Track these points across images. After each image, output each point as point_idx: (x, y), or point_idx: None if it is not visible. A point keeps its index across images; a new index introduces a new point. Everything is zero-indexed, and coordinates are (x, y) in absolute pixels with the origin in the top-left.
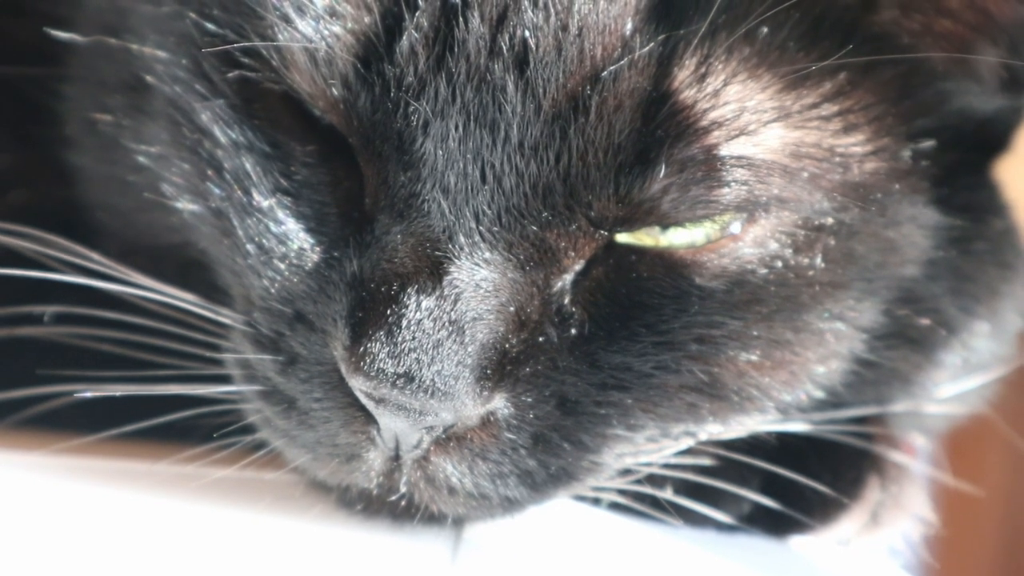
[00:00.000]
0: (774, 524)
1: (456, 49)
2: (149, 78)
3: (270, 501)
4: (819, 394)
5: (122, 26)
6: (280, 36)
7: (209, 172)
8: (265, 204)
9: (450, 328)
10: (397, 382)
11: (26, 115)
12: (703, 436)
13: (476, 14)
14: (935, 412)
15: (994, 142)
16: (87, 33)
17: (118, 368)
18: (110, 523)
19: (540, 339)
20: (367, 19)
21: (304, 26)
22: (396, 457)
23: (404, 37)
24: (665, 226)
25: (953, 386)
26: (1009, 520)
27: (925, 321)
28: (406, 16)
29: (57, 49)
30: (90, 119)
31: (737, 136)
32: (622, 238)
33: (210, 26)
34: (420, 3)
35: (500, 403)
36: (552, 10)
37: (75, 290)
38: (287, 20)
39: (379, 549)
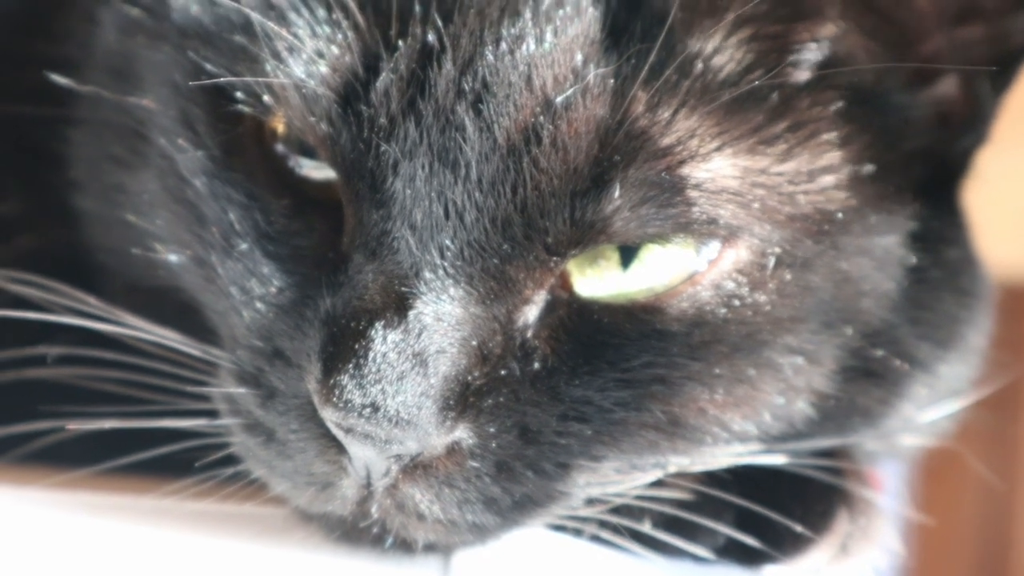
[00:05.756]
0: (748, 555)
1: (427, 92)
2: (142, 128)
3: (258, 530)
4: (780, 426)
5: (129, 70)
6: (274, 74)
7: (193, 220)
8: (245, 248)
9: (414, 361)
10: (363, 412)
11: (34, 160)
12: (672, 468)
13: (449, 57)
14: (906, 443)
15: (953, 165)
16: (97, 76)
17: (113, 405)
18: (105, 556)
19: (502, 372)
20: (347, 59)
21: (295, 65)
22: (368, 485)
23: (380, 79)
24: (617, 245)
25: (923, 414)
26: (982, 547)
27: (881, 352)
28: (384, 57)
29: (63, 93)
30: (94, 163)
31: (689, 159)
32: (584, 290)
33: (208, 66)
34: (400, 46)
35: (464, 433)
36: (506, 46)
37: (75, 332)
38: (280, 59)
39: None
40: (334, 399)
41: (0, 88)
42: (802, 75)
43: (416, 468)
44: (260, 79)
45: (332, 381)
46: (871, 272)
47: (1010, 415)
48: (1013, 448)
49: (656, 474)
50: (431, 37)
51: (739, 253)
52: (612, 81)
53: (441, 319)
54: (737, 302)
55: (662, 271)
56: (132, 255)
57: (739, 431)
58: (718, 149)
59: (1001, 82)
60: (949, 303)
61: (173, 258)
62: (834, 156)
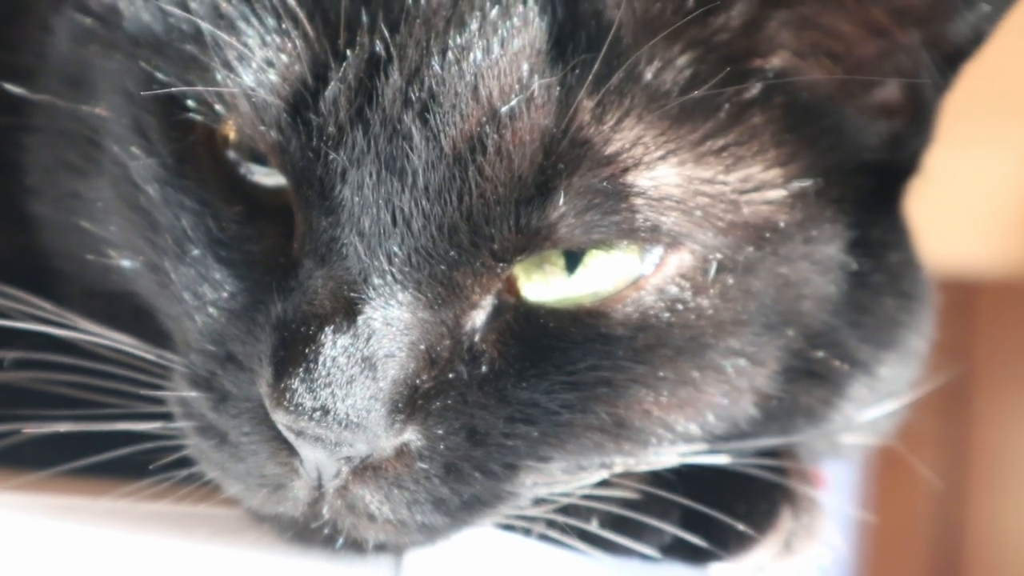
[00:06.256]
0: (693, 553)
1: (375, 101)
2: (96, 136)
3: (212, 531)
4: (723, 426)
5: (82, 79)
6: (224, 83)
7: (146, 227)
8: (198, 254)
9: (363, 365)
10: (314, 415)
11: None
12: (618, 468)
13: (396, 67)
14: (848, 442)
15: (901, 168)
16: (51, 84)
17: (69, 408)
18: (61, 558)
19: (450, 376)
20: (297, 68)
21: (245, 74)
22: (319, 487)
23: (329, 88)
24: (563, 250)
25: (864, 414)
26: (935, 546)
27: (822, 353)
28: (332, 66)
29: (19, 100)
30: (49, 170)
31: (633, 167)
32: (531, 294)
33: (160, 75)
34: (348, 55)
35: (412, 435)
36: (452, 56)
37: (31, 336)
38: (230, 68)
39: None
40: (285, 402)
41: None
42: (753, 89)
43: (366, 470)
44: (211, 88)
45: (283, 385)
46: (812, 276)
47: (962, 415)
48: (964, 448)
49: (602, 474)
50: (378, 47)
51: (682, 259)
52: (557, 90)
53: (390, 324)
54: (680, 306)
55: (607, 276)
56: (87, 261)
57: (683, 432)
58: (663, 158)
59: (943, 82)
60: (890, 306)
61: (127, 264)
62: (780, 169)
